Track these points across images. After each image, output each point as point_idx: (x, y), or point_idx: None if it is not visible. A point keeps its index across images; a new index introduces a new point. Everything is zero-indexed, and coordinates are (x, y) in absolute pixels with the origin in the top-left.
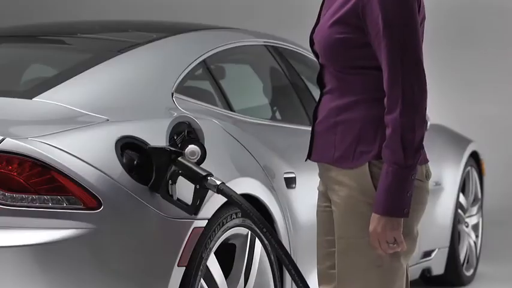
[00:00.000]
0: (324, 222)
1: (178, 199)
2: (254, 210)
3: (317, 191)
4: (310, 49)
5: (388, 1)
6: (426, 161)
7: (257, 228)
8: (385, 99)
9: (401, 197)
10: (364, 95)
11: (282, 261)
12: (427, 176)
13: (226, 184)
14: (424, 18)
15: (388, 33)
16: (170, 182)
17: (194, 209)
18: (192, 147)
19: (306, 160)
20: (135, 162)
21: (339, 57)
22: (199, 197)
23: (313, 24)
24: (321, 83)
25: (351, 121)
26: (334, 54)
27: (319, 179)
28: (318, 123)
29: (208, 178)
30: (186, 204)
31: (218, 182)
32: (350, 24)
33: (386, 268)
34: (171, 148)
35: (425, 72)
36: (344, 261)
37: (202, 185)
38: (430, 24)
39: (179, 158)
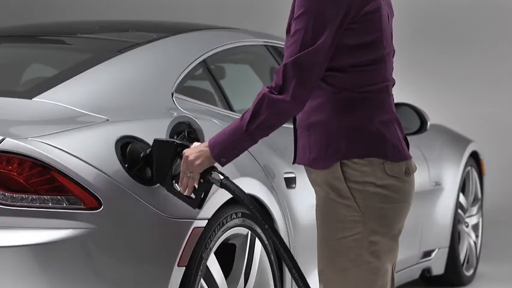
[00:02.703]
0: None
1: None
2: (257, 206)
3: None
4: None
5: None
6: (405, 157)
7: (258, 225)
8: (275, 75)
9: (229, 146)
10: (330, 96)
11: (282, 258)
12: (407, 172)
13: None
14: (376, 10)
15: (298, 18)
16: (175, 175)
17: (199, 202)
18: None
19: (293, 163)
20: (141, 155)
21: None
22: (203, 190)
23: None
24: None
25: (319, 122)
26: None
27: None
28: (297, 125)
29: (212, 172)
30: (191, 198)
31: (221, 177)
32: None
33: (366, 267)
34: (177, 141)
35: (425, 73)
36: (325, 261)
37: (206, 179)
38: (430, 24)
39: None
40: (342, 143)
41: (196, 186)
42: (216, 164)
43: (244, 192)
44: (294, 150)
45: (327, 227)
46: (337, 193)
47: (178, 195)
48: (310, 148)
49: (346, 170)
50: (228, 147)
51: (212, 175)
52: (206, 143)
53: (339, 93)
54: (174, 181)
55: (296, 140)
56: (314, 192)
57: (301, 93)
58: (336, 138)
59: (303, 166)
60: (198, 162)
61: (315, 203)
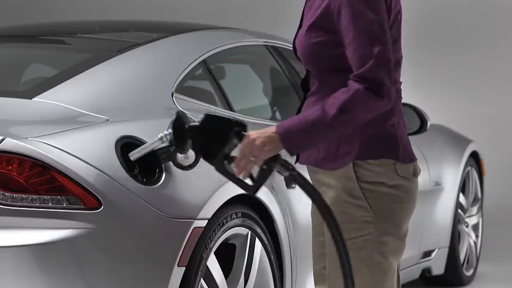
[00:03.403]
0: (316, 223)
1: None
2: (327, 205)
3: None
4: None
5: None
6: (414, 159)
7: (326, 222)
8: (354, 74)
9: (304, 139)
10: None
11: (342, 264)
12: (415, 173)
13: (226, 184)
14: (398, 12)
15: (355, 22)
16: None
17: (255, 188)
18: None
19: (295, 163)
20: (186, 125)
21: (318, 60)
22: (264, 177)
23: (296, 31)
24: (304, 87)
25: None
26: (313, 59)
27: None
28: None
29: (279, 160)
30: (244, 182)
31: (291, 167)
32: (325, 27)
33: (376, 268)
34: (236, 119)
35: (425, 73)
36: (334, 263)
37: (270, 166)
38: (430, 24)
39: (244, 132)
40: (356, 144)
41: (254, 171)
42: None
43: (314, 187)
44: None
45: None
46: (348, 193)
47: (231, 177)
48: (318, 148)
49: (359, 170)
50: (303, 139)
51: (279, 164)
52: (273, 129)
53: None
54: (225, 161)
55: None
56: None
57: (390, 89)
58: (349, 139)
59: (302, 166)
60: (266, 148)
61: None
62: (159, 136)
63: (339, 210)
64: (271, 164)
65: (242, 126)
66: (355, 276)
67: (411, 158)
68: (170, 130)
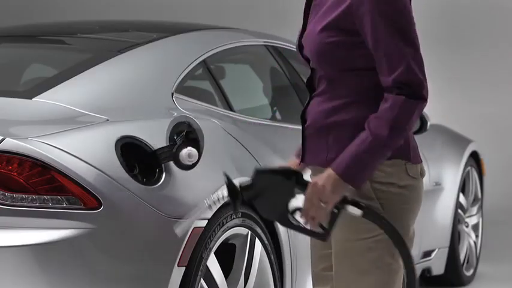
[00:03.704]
0: None
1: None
2: (399, 233)
3: None
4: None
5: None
6: (421, 159)
7: (399, 252)
8: (389, 92)
9: (366, 169)
10: (356, 96)
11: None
12: (422, 173)
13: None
14: None
15: (384, 23)
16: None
17: (328, 234)
18: (189, 149)
19: (299, 164)
20: (238, 186)
21: (332, 61)
22: (335, 221)
23: (300, 30)
24: (310, 86)
25: (343, 123)
26: (326, 58)
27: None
28: (308, 126)
29: (348, 200)
30: (319, 231)
31: (363, 205)
32: (342, 28)
33: (386, 269)
34: (289, 168)
35: (426, 72)
36: (343, 263)
37: (340, 208)
38: (430, 24)
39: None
40: None
41: (324, 217)
42: None
43: (388, 220)
44: (302, 151)
45: (347, 228)
46: (359, 194)
47: (300, 229)
48: (328, 148)
49: None
50: (365, 170)
51: (349, 204)
52: (331, 171)
53: (365, 93)
54: (290, 214)
55: (304, 140)
56: None
57: (427, 86)
58: None
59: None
60: (336, 192)
61: None
62: (207, 204)
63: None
64: (341, 205)
65: (299, 175)
66: (365, 277)
67: (419, 159)
68: (225, 193)
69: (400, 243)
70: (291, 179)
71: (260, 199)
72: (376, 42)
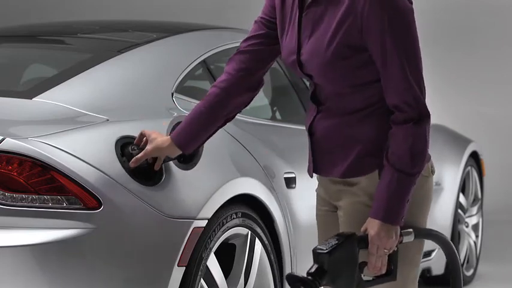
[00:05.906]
0: (325, 226)
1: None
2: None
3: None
4: None
5: (388, 14)
6: (429, 157)
7: (451, 261)
8: (393, 108)
9: (402, 205)
10: (367, 108)
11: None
12: (432, 171)
13: (226, 184)
14: None
15: (393, 43)
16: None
17: (396, 271)
18: None
19: (311, 177)
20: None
21: (342, 78)
22: (397, 257)
23: (286, 42)
24: (316, 100)
25: (357, 135)
26: (336, 76)
27: (317, 181)
28: (320, 139)
29: (401, 233)
30: (384, 276)
31: (411, 231)
32: (352, 45)
33: (414, 266)
34: (346, 233)
35: (425, 73)
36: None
37: (397, 246)
38: (430, 23)
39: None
40: (382, 153)
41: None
42: None
43: (438, 231)
44: (314, 163)
45: (356, 232)
46: (371, 198)
47: (371, 282)
48: (343, 160)
49: None
50: (404, 206)
51: (405, 240)
52: (376, 221)
53: (376, 105)
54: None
55: (314, 153)
56: (314, 193)
57: (426, 105)
58: (376, 150)
59: (302, 166)
60: (392, 235)
61: (315, 203)
62: None
63: (361, 215)
64: (399, 244)
65: (354, 236)
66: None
67: (429, 156)
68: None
69: (452, 252)
70: (355, 245)
71: (334, 278)
72: (385, 66)
